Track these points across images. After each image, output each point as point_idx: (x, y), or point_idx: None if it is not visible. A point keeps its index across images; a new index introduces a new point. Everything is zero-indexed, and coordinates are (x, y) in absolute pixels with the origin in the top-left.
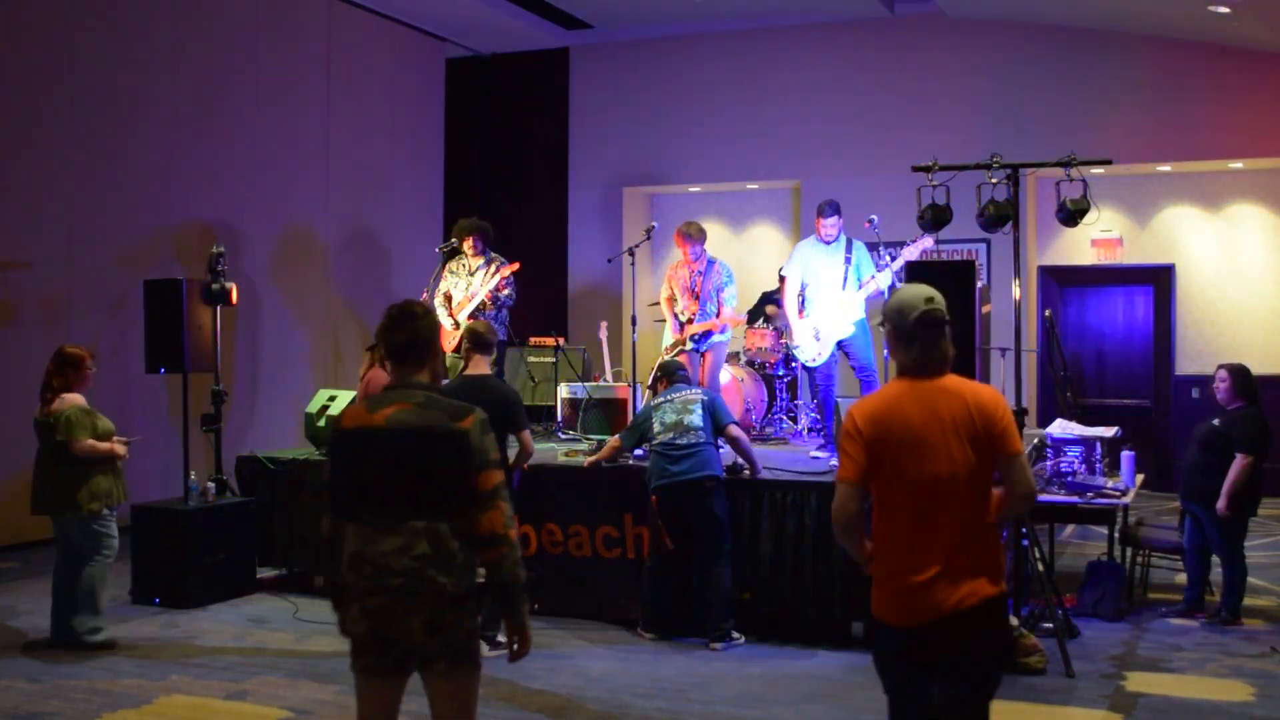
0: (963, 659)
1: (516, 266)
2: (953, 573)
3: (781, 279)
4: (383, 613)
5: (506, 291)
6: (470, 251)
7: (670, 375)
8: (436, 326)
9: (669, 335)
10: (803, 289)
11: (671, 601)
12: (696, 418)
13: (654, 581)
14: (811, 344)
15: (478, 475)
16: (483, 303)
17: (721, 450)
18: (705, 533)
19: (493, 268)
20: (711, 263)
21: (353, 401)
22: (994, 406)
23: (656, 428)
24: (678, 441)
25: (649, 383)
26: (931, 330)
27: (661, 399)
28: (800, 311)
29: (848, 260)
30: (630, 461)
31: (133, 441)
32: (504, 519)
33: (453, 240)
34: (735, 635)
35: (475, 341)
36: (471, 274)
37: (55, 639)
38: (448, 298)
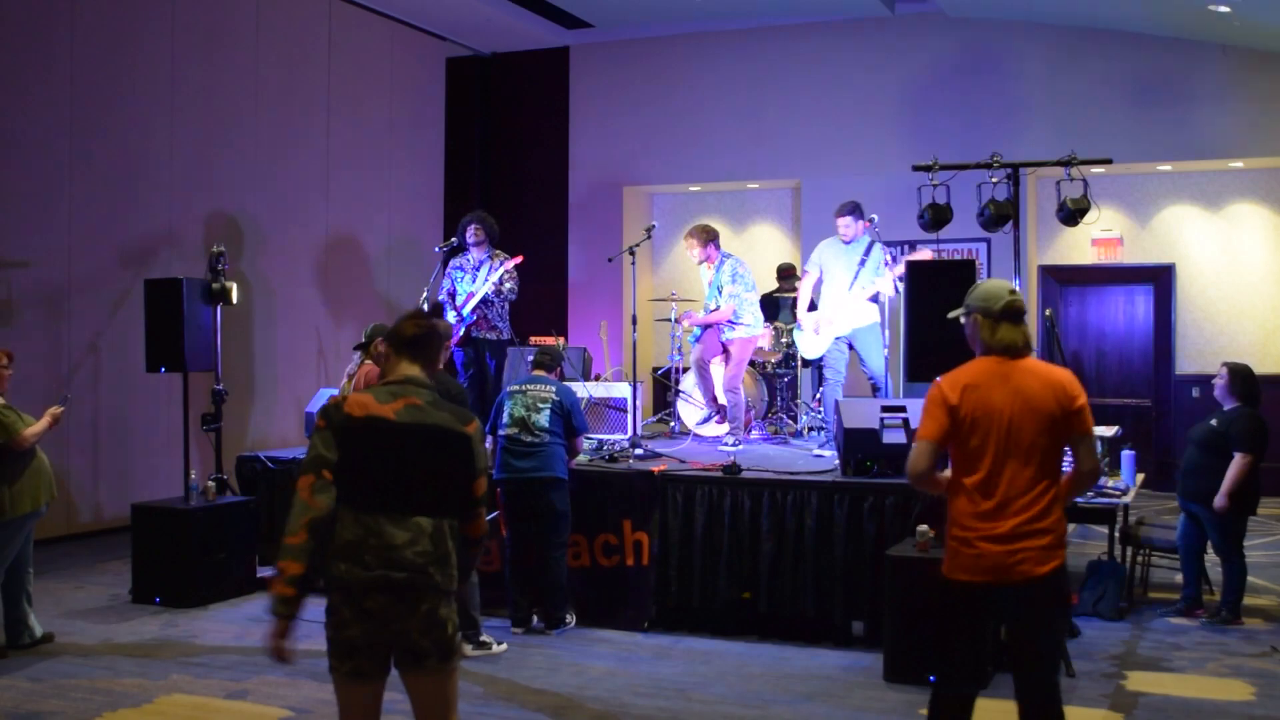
0: (1025, 617)
1: (519, 259)
2: (1017, 538)
3: (803, 274)
4: (383, 613)
5: (510, 285)
6: (474, 239)
7: (540, 363)
8: (449, 332)
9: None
10: (819, 284)
11: (528, 594)
12: (544, 419)
13: (514, 577)
14: (810, 338)
15: (475, 481)
16: (487, 298)
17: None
18: (546, 523)
19: (496, 262)
20: (723, 260)
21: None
22: (1071, 387)
23: (505, 419)
24: (522, 438)
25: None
26: (1015, 317)
27: (515, 387)
28: (811, 307)
29: (861, 263)
30: (633, 464)
31: (67, 398)
32: (485, 524)
33: (451, 240)
34: (568, 620)
35: None
36: (476, 269)
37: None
38: (452, 295)
